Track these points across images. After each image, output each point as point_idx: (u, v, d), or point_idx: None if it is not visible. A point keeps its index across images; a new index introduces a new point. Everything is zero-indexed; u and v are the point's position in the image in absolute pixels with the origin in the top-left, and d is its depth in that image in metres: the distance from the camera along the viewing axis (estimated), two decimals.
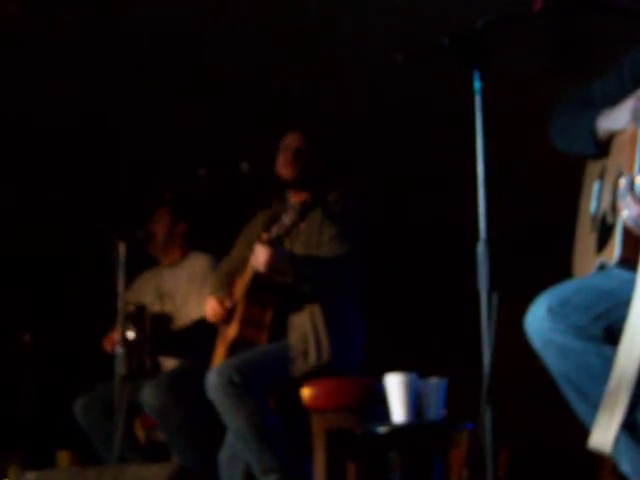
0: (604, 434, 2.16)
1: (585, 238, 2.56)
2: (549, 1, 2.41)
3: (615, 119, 2.44)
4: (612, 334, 2.24)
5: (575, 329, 2.26)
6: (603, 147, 2.50)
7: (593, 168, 2.60)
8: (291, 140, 4.01)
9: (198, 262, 4.68)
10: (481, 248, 2.34)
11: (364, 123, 5.56)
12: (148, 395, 4.18)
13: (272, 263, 3.64)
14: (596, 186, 2.54)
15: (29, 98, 5.31)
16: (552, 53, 4.75)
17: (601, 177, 2.52)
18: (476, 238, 2.34)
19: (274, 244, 3.65)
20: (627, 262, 2.30)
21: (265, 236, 3.69)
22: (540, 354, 2.33)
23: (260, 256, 3.65)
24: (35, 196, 5.92)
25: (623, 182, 2.29)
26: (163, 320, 4.61)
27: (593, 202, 2.54)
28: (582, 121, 2.53)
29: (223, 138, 5.49)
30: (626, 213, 2.26)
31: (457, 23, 2.30)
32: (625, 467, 2.29)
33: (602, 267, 2.39)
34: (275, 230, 3.64)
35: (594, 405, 2.23)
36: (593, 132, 2.49)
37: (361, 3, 4.70)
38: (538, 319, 2.30)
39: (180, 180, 4.32)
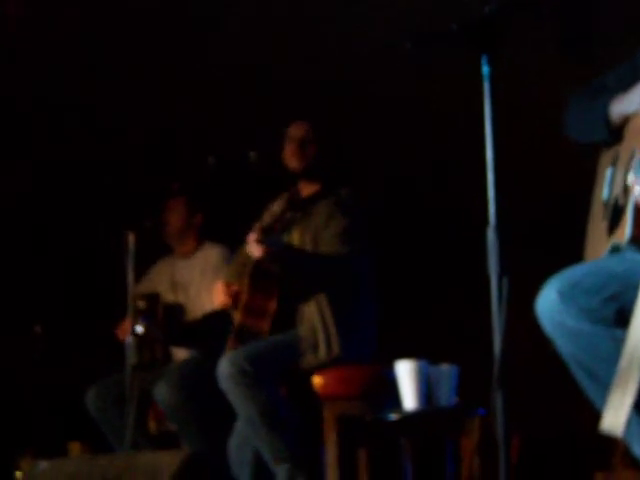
0: (616, 415, 2.17)
1: (597, 226, 2.55)
2: None
3: (629, 102, 2.43)
4: (623, 317, 2.24)
5: (586, 311, 2.25)
6: (617, 133, 2.49)
7: (606, 156, 2.60)
8: (296, 131, 4.01)
9: (212, 253, 4.68)
10: (491, 234, 2.33)
11: (372, 108, 5.55)
12: (161, 390, 4.18)
13: (265, 250, 3.65)
14: (608, 173, 2.53)
15: (37, 81, 5.30)
16: (557, 37, 4.74)
17: (614, 164, 2.52)
18: (486, 224, 2.34)
19: (266, 232, 3.67)
20: (638, 242, 2.30)
21: (258, 225, 3.72)
22: (551, 337, 2.33)
23: (251, 244, 3.68)
24: (44, 185, 5.92)
25: (637, 157, 2.28)
26: (176, 311, 4.61)
27: (605, 189, 2.53)
28: (595, 108, 2.53)
29: (231, 127, 5.49)
30: (638, 189, 2.26)
31: (464, 12, 2.29)
32: (637, 450, 2.29)
33: (614, 250, 2.39)
34: (266, 219, 3.67)
35: (605, 387, 2.23)
36: (606, 117, 2.48)
37: None
38: (549, 302, 2.30)
39: (189, 170, 4.33)
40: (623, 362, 2.18)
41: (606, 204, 2.51)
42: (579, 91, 2.65)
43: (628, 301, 2.24)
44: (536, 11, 2.48)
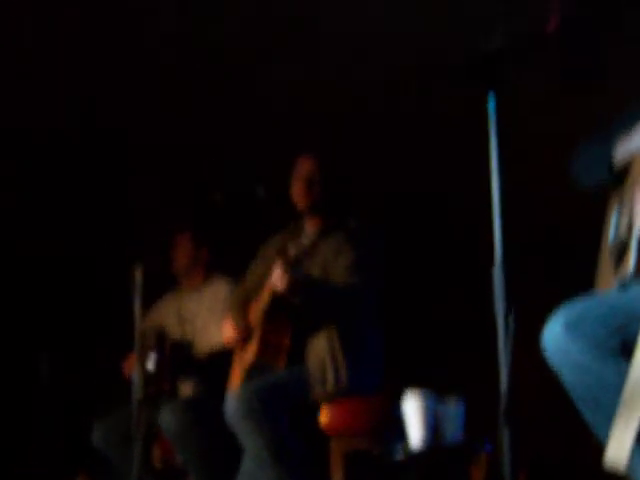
0: (619, 447, 2.16)
1: (604, 269, 2.55)
2: (562, 22, 2.41)
3: (632, 141, 2.45)
4: (628, 348, 2.24)
5: (591, 342, 2.25)
6: (621, 174, 2.51)
7: (613, 200, 2.60)
8: (303, 168, 4.02)
9: (219, 287, 4.68)
10: (497, 271, 2.34)
11: (380, 140, 5.57)
12: (167, 418, 4.18)
13: (291, 283, 3.65)
14: (614, 215, 2.54)
15: (52, 120, 5.34)
16: (565, 73, 4.76)
17: (619, 206, 2.52)
18: (492, 261, 2.34)
19: (292, 265, 3.67)
20: None
21: (284, 257, 3.71)
22: (557, 369, 2.33)
23: (279, 276, 3.67)
24: (56, 220, 5.95)
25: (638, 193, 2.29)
26: (183, 345, 4.61)
27: (611, 232, 2.54)
28: (600, 150, 2.54)
29: (238, 161, 5.51)
30: (639, 222, 2.26)
31: (471, 46, 2.31)
32: None
33: (621, 288, 2.39)
34: (293, 251, 3.66)
35: (609, 420, 2.22)
36: (610, 158, 2.50)
37: (375, 25, 4.72)
38: (555, 333, 2.30)
39: (196, 205, 4.34)
40: (626, 394, 2.18)
41: (612, 246, 2.51)
42: (585, 139, 2.67)
43: (633, 333, 2.24)
44: (541, 45, 2.49)
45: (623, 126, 2.59)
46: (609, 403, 2.25)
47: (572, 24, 2.57)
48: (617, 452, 2.16)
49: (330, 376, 3.74)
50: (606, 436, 2.22)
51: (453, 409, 3.32)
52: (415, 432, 3.30)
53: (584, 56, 4.66)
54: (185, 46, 4.87)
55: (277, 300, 3.80)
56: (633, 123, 2.55)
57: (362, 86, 5.21)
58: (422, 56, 4.68)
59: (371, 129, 5.58)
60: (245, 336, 3.96)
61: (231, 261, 4.49)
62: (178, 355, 4.54)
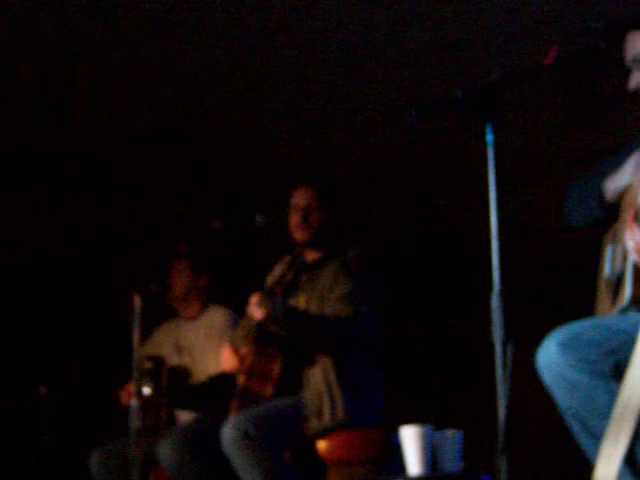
0: (607, 466, 2.17)
1: (602, 303, 2.57)
2: (560, 54, 2.43)
3: (621, 175, 2.48)
4: (620, 371, 2.26)
5: (585, 364, 2.27)
6: (613, 211, 2.53)
7: (607, 236, 2.62)
8: (300, 199, 4.01)
9: (217, 317, 4.68)
10: (495, 300, 2.35)
11: (377, 175, 5.59)
12: (165, 452, 4.15)
13: (267, 313, 3.65)
14: (609, 250, 2.56)
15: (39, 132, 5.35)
16: (565, 105, 4.78)
17: (613, 241, 2.54)
18: (490, 290, 2.35)
19: (268, 295, 3.68)
20: (639, 301, 2.32)
21: (264, 288, 3.75)
22: (549, 389, 2.35)
23: (253, 306, 3.69)
24: (51, 245, 5.95)
25: (628, 220, 2.31)
26: (180, 374, 4.60)
27: (606, 266, 2.55)
28: (590, 188, 2.57)
29: (237, 188, 5.53)
30: (630, 244, 2.28)
31: (470, 79, 2.33)
32: None
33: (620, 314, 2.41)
34: (270, 281, 3.68)
35: (599, 439, 2.24)
36: (601, 195, 2.53)
37: (371, 59, 4.74)
38: (549, 353, 2.32)
39: (195, 232, 4.35)
40: (616, 414, 2.20)
41: (608, 280, 2.53)
42: (576, 178, 2.70)
43: (625, 356, 2.26)
44: (541, 78, 2.51)
45: (613, 162, 2.62)
46: (599, 423, 2.26)
47: (572, 57, 2.59)
48: (606, 471, 2.18)
49: (326, 409, 3.72)
50: (594, 453, 2.24)
51: (451, 439, 3.31)
52: (413, 461, 3.29)
53: (583, 89, 4.69)
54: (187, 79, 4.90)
55: (263, 330, 3.80)
56: (622, 159, 2.58)
57: (359, 116, 5.24)
58: (420, 87, 4.71)
59: (370, 159, 5.61)
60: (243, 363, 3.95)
61: (231, 291, 4.49)
62: (175, 383, 4.53)
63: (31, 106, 4.94)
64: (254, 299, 3.69)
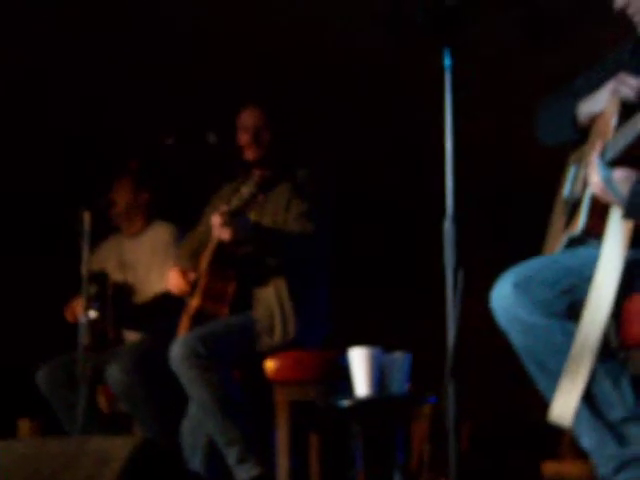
0: (564, 405, 2.19)
1: (556, 222, 2.58)
2: None
3: (595, 101, 2.48)
4: (575, 310, 2.27)
5: (540, 305, 2.28)
6: (584, 133, 2.53)
7: (573, 156, 2.63)
8: (248, 118, 4.00)
9: (161, 232, 4.64)
10: (448, 225, 2.35)
11: (329, 94, 5.54)
12: (114, 376, 4.14)
13: (235, 232, 3.63)
14: (572, 171, 2.56)
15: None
16: (523, 28, 4.76)
17: (578, 162, 2.55)
18: (443, 214, 2.35)
19: (234, 215, 3.65)
20: (591, 233, 2.33)
21: (224, 207, 3.69)
22: (505, 330, 2.35)
23: (220, 227, 3.65)
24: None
25: (596, 149, 2.31)
26: (125, 291, 4.57)
27: (567, 186, 2.56)
28: (563, 110, 2.57)
29: (190, 107, 5.46)
30: (594, 179, 2.28)
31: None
32: (584, 442, 2.31)
33: (570, 243, 2.42)
34: (235, 202, 3.65)
35: (556, 380, 2.25)
36: (574, 117, 2.52)
37: None
38: (503, 295, 2.32)
39: (146, 148, 4.30)
40: (573, 353, 2.21)
41: (566, 201, 2.53)
42: (548, 97, 2.69)
43: (580, 296, 2.27)
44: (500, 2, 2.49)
45: (586, 80, 2.61)
46: (555, 363, 2.28)
47: None
48: (563, 409, 2.20)
49: (278, 326, 3.74)
50: (552, 393, 2.26)
51: (399, 361, 3.33)
52: (361, 382, 3.31)
53: (540, 12, 4.66)
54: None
55: (221, 250, 3.79)
56: (591, 82, 2.57)
57: (314, 33, 5.18)
58: (380, 6, 4.65)
59: (321, 79, 5.55)
60: (192, 285, 3.94)
61: (180, 208, 4.45)
62: (121, 300, 4.50)
63: None
64: (218, 220, 3.65)
